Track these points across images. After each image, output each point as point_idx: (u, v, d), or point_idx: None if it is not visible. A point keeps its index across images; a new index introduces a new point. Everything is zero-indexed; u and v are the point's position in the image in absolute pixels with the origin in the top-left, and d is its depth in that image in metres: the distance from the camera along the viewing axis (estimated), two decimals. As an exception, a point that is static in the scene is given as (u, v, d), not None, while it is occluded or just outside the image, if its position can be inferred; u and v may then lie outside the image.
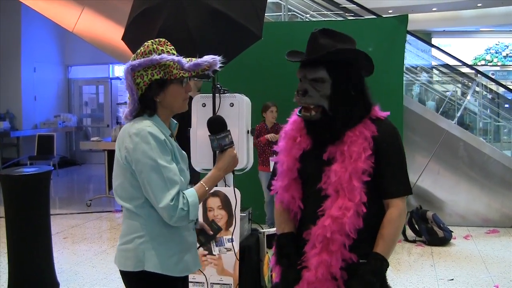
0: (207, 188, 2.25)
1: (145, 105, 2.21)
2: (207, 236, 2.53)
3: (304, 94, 2.14)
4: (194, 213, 2.15)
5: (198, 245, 2.51)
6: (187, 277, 2.46)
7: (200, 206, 2.88)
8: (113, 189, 2.30)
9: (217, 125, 2.31)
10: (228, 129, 2.31)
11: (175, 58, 2.19)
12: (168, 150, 2.17)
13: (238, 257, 3.92)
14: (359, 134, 2.11)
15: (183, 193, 2.15)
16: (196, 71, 2.21)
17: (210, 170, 4.11)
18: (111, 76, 14.08)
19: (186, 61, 2.21)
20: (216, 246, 2.79)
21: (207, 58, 2.23)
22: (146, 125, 2.16)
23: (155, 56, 2.16)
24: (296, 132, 2.27)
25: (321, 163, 2.16)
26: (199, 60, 2.22)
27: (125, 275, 2.27)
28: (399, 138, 2.21)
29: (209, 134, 2.31)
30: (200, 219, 2.58)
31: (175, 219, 2.10)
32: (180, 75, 2.18)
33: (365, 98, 2.19)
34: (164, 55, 2.18)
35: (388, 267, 2.11)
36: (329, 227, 2.08)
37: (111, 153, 8.12)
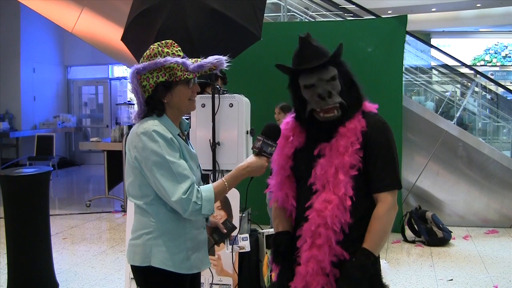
0: (227, 185, 2.26)
1: (153, 106, 2.27)
2: (221, 234, 2.58)
3: (330, 96, 2.15)
4: (208, 208, 2.19)
5: (212, 242, 2.57)
6: (198, 275, 2.50)
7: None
8: (125, 187, 2.34)
9: (272, 132, 2.28)
10: (276, 144, 2.28)
11: (179, 60, 2.23)
12: (175, 147, 2.22)
13: (237, 257, 3.93)
14: (349, 129, 2.14)
15: (198, 188, 2.18)
16: (200, 72, 2.25)
17: (209, 170, 4.16)
18: (110, 76, 14.06)
19: (191, 63, 2.25)
20: (230, 244, 2.80)
21: (211, 59, 2.26)
22: (152, 124, 2.22)
23: (159, 59, 2.21)
24: (289, 132, 2.31)
25: (311, 159, 2.19)
26: (203, 61, 2.26)
27: (134, 269, 2.33)
28: (388, 132, 2.21)
29: (260, 134, 2.29)
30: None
31: (189, 213, 2.15)
32: (185, 76, 2.22)
33: (358, 89, 2.24)
34: (169, 58, 2.22)
35: (376, 262, 2.11)
36: (313, 221, 2.11)
37: (110, 154, 8.14)
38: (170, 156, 2.16)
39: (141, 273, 2.31)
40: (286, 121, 2.35)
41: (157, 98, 2.25)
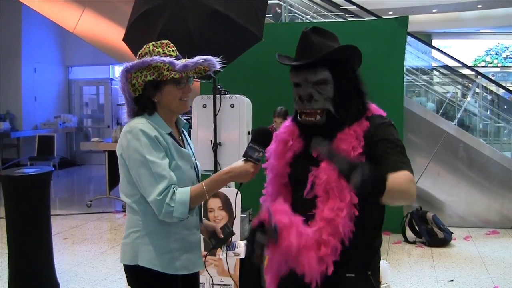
0: (205, 189, 2.19)
1: (143, 105, 2.26)
2: (218, 239, 2.52)
3: (310, 100, 2.00)
4: (181, 211, 2.13)
5: (210, 247, 2.55)
6: (195, 275, 2.47)
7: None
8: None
9: (259, 136, 2.18)
10: (265, 149, 2.16)
11: (166, 59, 2.20)
12: (160, 146, 2.19)
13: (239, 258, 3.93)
14: (352, 134, 1.97)
15: (175, 190, 2.14)
16: (186, 71, 2.21)
17: (210, 171, 4.17)
18: (111, 77, 14.08)
19: (181, 63, 2.22)
20: (226, 249, 2.75)
21: (197, 58, 2.23)
22: (138, 122, 2.21)
23: (147, 58, 2.20)
24: (288, 136, 2.15)
25: (309, 166, 2.01)
26: (188, 61, 2.23)
27: (125, 268, 2.33)
28: (393, 128, 2.02)
29: (250, 139, 2.22)
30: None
31: (163, 214, 2.13)
32: (171, 76, 2.20)
33: (362, 95, 2.07)
34: (156, 57, 2.20)
35: (379, 189, 1.77)
36: (325, 230, 1.91)
37: (111, 154, 8.14)
38: (151, 155, 2.14)
39: (131, 272, 2.30)
40: (285, 125, 2.20)
41: (147, 97, 2.24)
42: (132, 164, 2.18)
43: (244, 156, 2.18)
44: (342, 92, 2.01)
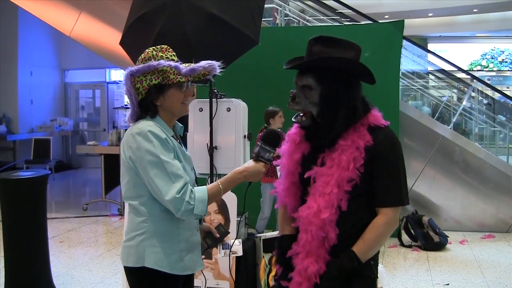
0: (221, 188, 2.27)
1: (146, 108, 2.31)
2: (214, 239, 2.59)
3: (292, 100, 2.18)
4: (201, 209, 2.19)
5: (205, 247, 2.57)
6: (192, 276, 2.52)
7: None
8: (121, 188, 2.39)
9: (271, 138, 2.30)
10: (275, 150, 2.29)
11: (172, 63, 2.26)
12: (170, 148, 2.24)
13: (235, 261, 3.93)
14: (351, 144, 2.10)
15: (192, 189, 2.20)
16: (192, 75, 2.28)
17: (206, 174, 4.17)
18: (107, 80, 14.05)
19: (185, 67, 2.28)
20: (223, 249, 2.82)
21: (203, 63, 2.30)
22: (147, 124, 2.25)
23: (153, 62, 2.25)
24: (298, 136, 2.28)
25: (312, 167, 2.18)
26: (195, 65, 2.29)
27: (127, 270, 2.35)
28: (396, 148, 2.16)
29: (260, 140, 2.32)
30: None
31: (181, 212, 2.16)
32: (177, 80, 2.26)
33: (354, 105, 2.14)
34: (162, 61, 2.25)
35: (357, 267, 2.07)
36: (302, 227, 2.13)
37: (107, 157, 8.14)
38: (165, 156, 2.19)
39: (135, 274, 2.32)
40: (296, 125, 2.32)
41: (150, 100, 2.28)
42: (144, 165, 2.20)
43: (255, 156, 2.28)
44: (327, 99, 2.12)
